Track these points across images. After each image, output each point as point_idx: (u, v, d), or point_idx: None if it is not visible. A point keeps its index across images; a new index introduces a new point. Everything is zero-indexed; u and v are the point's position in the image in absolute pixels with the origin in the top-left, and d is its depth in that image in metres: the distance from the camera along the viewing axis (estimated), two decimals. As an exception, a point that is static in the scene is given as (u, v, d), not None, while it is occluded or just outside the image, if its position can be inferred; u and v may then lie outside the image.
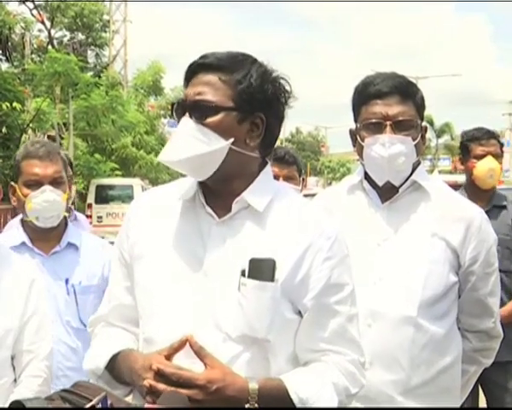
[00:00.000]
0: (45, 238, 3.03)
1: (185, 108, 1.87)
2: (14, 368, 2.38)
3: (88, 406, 1.61)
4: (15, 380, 2.38)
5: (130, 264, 1.96)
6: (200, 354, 1.74)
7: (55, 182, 2.96)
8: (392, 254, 2.43)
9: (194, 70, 1.88)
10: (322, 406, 1.80)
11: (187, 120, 1.85)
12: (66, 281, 3.01)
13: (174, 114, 1.92)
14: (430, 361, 2.40)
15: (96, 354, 1.93)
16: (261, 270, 1.77)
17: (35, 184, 2.94)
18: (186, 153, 1.83)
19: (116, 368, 1.87)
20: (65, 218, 3.11)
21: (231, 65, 1.85)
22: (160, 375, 1.71)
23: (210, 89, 1.84)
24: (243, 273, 1.78)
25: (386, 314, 2.38)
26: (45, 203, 2.92)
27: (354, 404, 1.97)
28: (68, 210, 4.36)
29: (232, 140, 1.84)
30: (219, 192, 1.89)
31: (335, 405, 1.82)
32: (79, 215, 4.75)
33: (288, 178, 3.69)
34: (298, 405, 1.78)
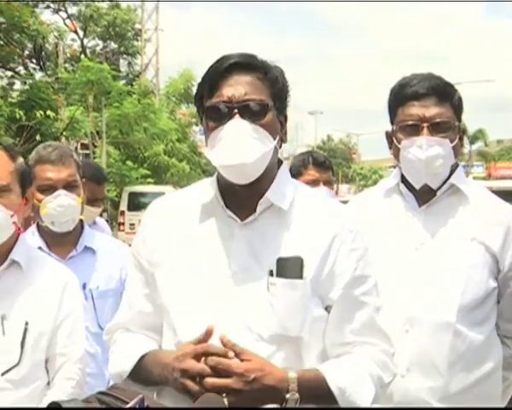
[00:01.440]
0: (61, 243, 3.00)
1: (232, 109, 1.80)
2: (47, 371, 2.38)
3: (126, 407, 1.60)
4: (48, 383, 2.38)
5: (148, 270, 1.94)
6: (234, 350, 1.72)
7: (69, 186, 2.92)
8: (429, 259, 2.39)
9: (227, 70, 1.83)
10: (360, 394, 1.80)
11: (239, 121, 1.79)
12: (84, 286, 2.95)
13: (210, 116, 1.84)
14: (469, 368, 2.36)
15: (123, 356, 1.93)
16: (289, 268, 1.77)
17: (49, 188, 2.89)
18: (253, 155, 1.78)
19: (143, 368, 1.86)
20: (81, 221, 3.07)
21: (262, 64, 1.85)
22: (197, 358, 1.70)
23: (253, 89, 1.82)
24: (271, 273, 1.78)
25: (424, 320, 2.34)
26: (60, 208, 2.88)
27: None
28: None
29: (278, 138, 1.85)
30: (244, 194, 1.86)
31: (373, 394, 1.82)
32: (98, 219, 4.70)
33: (326, 183, 3.72)
34: (337, 394, 1.77)
